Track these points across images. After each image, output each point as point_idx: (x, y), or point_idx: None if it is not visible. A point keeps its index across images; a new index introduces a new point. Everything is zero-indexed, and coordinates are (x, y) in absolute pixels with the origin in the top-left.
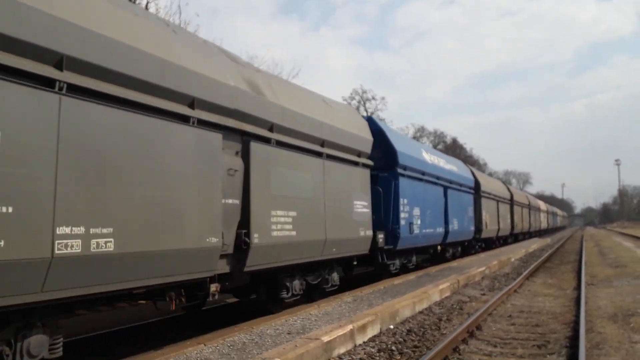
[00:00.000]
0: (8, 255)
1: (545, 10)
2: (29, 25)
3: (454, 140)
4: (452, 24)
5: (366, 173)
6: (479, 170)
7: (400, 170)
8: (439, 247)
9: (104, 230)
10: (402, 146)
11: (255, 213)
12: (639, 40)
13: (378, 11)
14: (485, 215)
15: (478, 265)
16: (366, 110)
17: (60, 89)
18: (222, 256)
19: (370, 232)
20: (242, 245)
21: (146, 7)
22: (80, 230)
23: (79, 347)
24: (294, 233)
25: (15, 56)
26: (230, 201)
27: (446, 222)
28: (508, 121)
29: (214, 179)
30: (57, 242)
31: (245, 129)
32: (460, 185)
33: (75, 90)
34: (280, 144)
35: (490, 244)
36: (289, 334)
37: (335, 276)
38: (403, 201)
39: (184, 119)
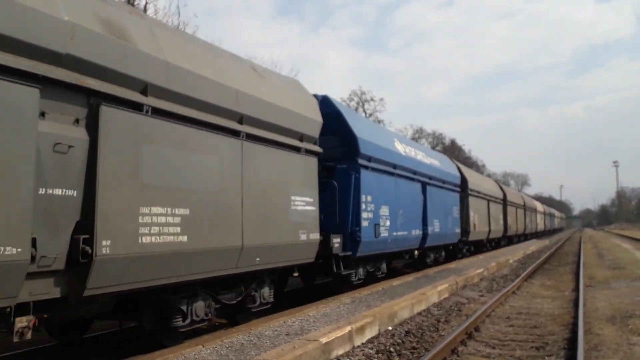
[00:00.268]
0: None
1: (544, 12)
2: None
3: (453, 142)
4: (451, 25)
5: (311, 162)
6: (478, 171)
7: (362, 161)
8: (416, 252)
9: None
10: (366, 133)
11: (106, 210)
12: (638, 42)
13: (376, 12)
14: (473, 216)
15: (476, 267)
16: (365, 111)
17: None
18: (38, 274)
19: (316, 236)
20: (79, 257)
21: (144, 9)
22: None
23: (77, 348)
24: (183, 238)
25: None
26: (57, 192)
27: (425, 224)
28: (506, 122)
29: (16, 155)
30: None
31: (93, 87)
32: (444, 182)
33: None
34: (161, 113)
35: (480, 247)
36: (287, 335)
37: (266, 292)
38: (366, 198)
39: None
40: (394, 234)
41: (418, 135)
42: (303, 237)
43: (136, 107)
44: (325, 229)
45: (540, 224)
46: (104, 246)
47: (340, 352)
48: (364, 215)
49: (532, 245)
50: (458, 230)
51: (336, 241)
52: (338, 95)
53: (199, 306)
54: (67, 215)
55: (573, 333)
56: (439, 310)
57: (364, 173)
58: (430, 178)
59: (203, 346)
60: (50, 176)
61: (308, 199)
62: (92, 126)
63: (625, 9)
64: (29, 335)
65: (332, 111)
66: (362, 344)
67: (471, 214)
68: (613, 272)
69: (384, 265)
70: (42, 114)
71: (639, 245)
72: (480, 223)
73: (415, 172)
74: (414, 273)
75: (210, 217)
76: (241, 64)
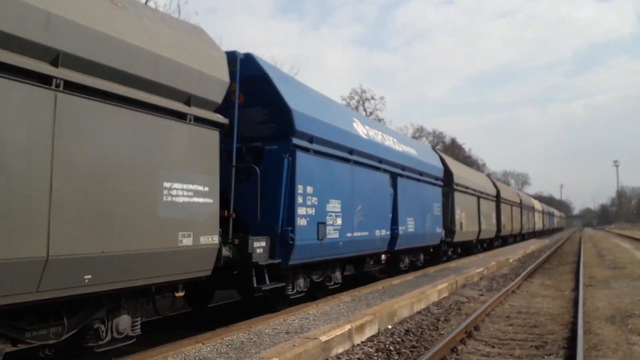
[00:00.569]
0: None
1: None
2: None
3: (453, 141)
4: (451, 23)
5: (208, 136)
6: (478, 170)
7: (299, 142)
8: (383, 257)
9: None
10: (305, 105)
11: None
12: (638, 42)
13: (377, 11)
14: (460, 214)
15: (476, 266)
16: (365, 110)
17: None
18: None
19: (211, 239)
20: None
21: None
22: None
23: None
24: None
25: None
26: None
27: (395, 223)
28: (507, 121)
29: None
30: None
31: None
32: (421, 174)
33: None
34: None
35: (469, 248)
36: (287, 333)
37: (121, 322)
38: (304, 189)
39: None
40: (349, 235)
41: (418, 134)
42: (186, 241)
43: None
44: (250, 230)
45: (539, 223)
46: None
47: (340, 350)
48: (301, 211)
49: (532, 245)
50: (440, 230)
51: (259, 246)
52: (338, 94)
53: None
54: None
55: (573, 332)
56: (438, 309)
57: (301, 157)
58: (403, 168)
59: (203, 344)
60: None
61: (199, 188)
62: None
63: (626, 8)
64: None
65: (257, 74)
66: (362, 342)
67: (457, 211)
68: (613, 272)
69: (337, 274)
70: None
71: (639, 245)
72: (469, 222)
73: (381, 160)
74: (414, 272)
75: None
76: None
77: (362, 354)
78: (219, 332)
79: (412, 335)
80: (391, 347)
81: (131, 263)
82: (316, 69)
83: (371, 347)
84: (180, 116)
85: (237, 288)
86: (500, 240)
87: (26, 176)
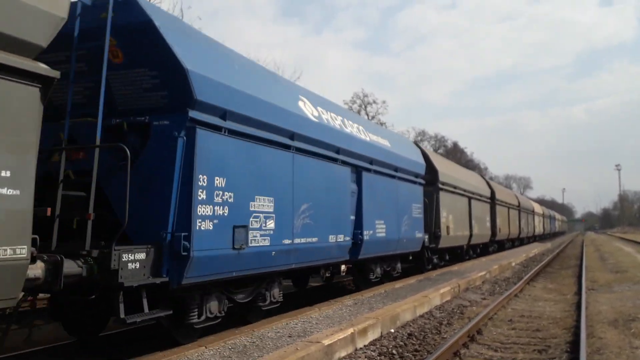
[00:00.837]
0: None
1: (546, 15)
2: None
3: (455, 144)
4: (453, 27)
5: (14, 93)
6: (480, 174)
7: (201, 116)
8: (343, 267)
9: None
10: (216, 68)
11: None
12: None
13: (379, 15)
14: (446, 217)
15: (479, 270)
16: (367, 114)
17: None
18: None
19: (8, 252)
20: None
21: None
22: None
23: (78, 349)
24: None
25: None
26: None
27: (359, 226)
28: (508, 125)
29: None
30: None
31: None
32: (396, 169)
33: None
34: None
35: (459, 255)
36: (289, 337)
37: None
38: (210, 181)
39: None
40: (287, 242)
41: (420, 138)
42: None
43: None
44: (133, 237)
45: (539, 227)
46: None
47: (343, 354)
48: (204, 210)
49: (534, 249)
50: (421, 234)
51: (131, 259)
52: (341, 98)
53: None
54: None
55: (575, 336)
56: (441, 313)
57: (205, 137)
58: (371, 162)
59: (206, 347)
60: None
61: None
62: None
63: (628, 12)
64: None
65: (139, 22)
66: (365, 346)
67: (443, 213)
68: (615, 276)
69: (275, 291)
70: None
71: None
72: (457, 225)
73: (339, 150)
74: (417, 275)
75: None
76: None
77: (365, 357)
78: (222, 335)
79: (414, 339)
80: (394, 351)
81: None
82: (318, 73)
83: (374, 350)
84: None
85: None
86: (496, 245)
87: None
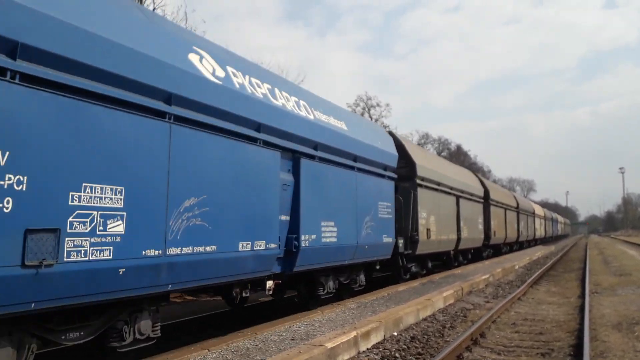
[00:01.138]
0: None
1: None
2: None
3: (458, 147)
4: (456, 30)
5: None
6: (484, 177)
7: None
8: (270, 283)
9: None
10: None
11: None
12: None
13: (383, 18)
14: (426, 218)
15: (482, 273)
16: (370, 117)
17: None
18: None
19: None
20: None
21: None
22: None
23: (81, 351)
24: None
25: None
26: None
27: (296, 229)
28: (512, 128)
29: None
30: None
31: None
32: (355, 158)
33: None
34: None
35: (448, 263)
36: (292, 340)
37: None
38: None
39: None
40: (153, 253)
41: (424, 141)
42: None
43: None
44: None
45: (540, 230)
46: None
47: (346, 357)
48: None
49: (537, 252)
50: (391, 239)
51: None
52: (344, 100)
53: None
54: None
55: (579, 339)
56: (444, 316)
57: None
58: (316, 147)
59: (209, 350)
60: None
61: None
62: None
63: (632, 14)
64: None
65: None
66: (368, 349)
67: (422, 214)
68: (619, 279)
69: (142, 324)
70: None
71: None
72: (442, 228)
73: (260, 127)
74: (420, 279)
75: None
76: None
77: None
78: (225, 338)
79: (417, 342)
80: (397, 354)
81: None
82: (322, 76)
83: (377, 354)
84: None
85: None
86: (491, 250)
87: None
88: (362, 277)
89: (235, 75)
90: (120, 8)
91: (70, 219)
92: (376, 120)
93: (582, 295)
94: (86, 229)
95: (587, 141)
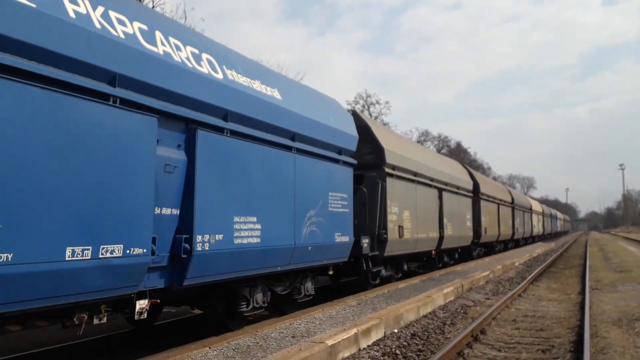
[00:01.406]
0: None
1: (550, 15)
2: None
3: (458, 145)
4: (457, 28)
5: None
6: (484, 174)
7: None
8: (140, 305)
9: None
10: None
11: None
12: None
13: (383, 16)
14: (398, 214)
15: (482, 270)
16: (370, 114)
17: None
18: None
19: None
20: None
21: None
22: None
23: (84, 349)
24: None
25: None
26: None
27: (187, 227)
28: (512, 126)
29: None
30: None
31: None
32: (294, 137)
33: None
34: None
35: (430, 265)
36: (293, 337)
37: None
38: None
39: None
40: None
41: (423, 138)
42: None
43: None
44: None
45: (538, 227)
46: None
47: (346, 354)
48: None
49: (538, 248)
50: (349, 238)
51: None
52: (344, 98)
53: None
54: None
55: (579, 336)
56: (444, 313)
57: None
58: (226, 117)
59: (210, 348)
60: None
61: None
62: None
63: (632, 11)
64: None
65: None
66: (368, 346)
67: (393, 209)
68: (619, 275)
69: None
70: None
71: None
72: (419, 225)
73: (115, 80)
74: (420, 275)
75: None
76: None
77: (369, 357)
78: (226, 336)
79: (418, 339)
80: (397, 351)
81: None
82: (322, 74)
83: (377, 351)
84: None
85: None
86: (483, 248)
87: None
88: (308, 286)
89: (74, 2)
90: None
91: None
92: (376, 117)
93: (583, 292)
94: None
95: (587, 138)
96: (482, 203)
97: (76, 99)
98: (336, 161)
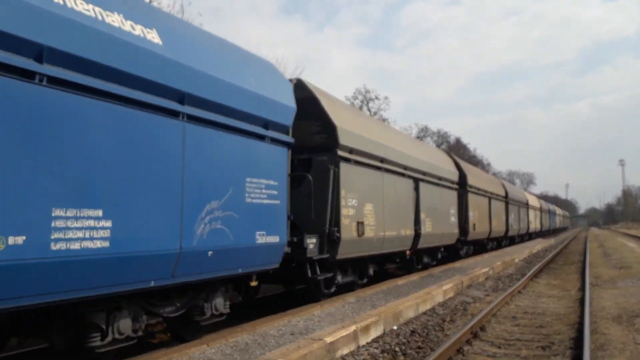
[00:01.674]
0: None
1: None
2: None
3: (458, 140)
4: (456, 23)
5: None
6: (483, 170)
7: None
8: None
9: None
10: None
11: None
12: None
13: (382, 11)
14: (355, 206)
15: (482, 266)
16: (369, 110)
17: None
18: None
19: None
20: None
21: None
22: None
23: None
24: None
25: None
26: None
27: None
28: (512, 121)
29: None
30: None
31: None
32: (182, 98)
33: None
34: None
35: (406, 266)
36: (292, 334)
37: None
38: None
39: None
40: None
41: (423, 134)
42: None
43: None
44: None
45: (535, 223)
46: None
47: (345, 351)
48: None
49: (537, 245)
50: (279, 238)
51: None
52: (343, 94)
53: None
54: None
55: (579, 332)
56: (444, 310)
57: None
58: (40, 54)
59: (208, 345)
60: None
61: None
62: None
63: (632, 7)
64: None
65: None
66: (367, 343)
67: (349, 201)
68: (619, 271)
69: None
70: None
71: None
72: (387, 221)
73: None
74: (419, 272)
75: None
76: None
77: (368, 354)
78: (224, 333)
79: (417, 336)
80: (397, 348)
81: None
82: (321, 70)
83: (376, 348)
84: None
85: None
86: (471, 246)
87: None
88: (218, 303)
89: None
90: None
91: None
92: (375, 113)
93: (582, 288)
94: None
95: (587, 134)
96: (470, 196)
97: None
98: (260, 137)
